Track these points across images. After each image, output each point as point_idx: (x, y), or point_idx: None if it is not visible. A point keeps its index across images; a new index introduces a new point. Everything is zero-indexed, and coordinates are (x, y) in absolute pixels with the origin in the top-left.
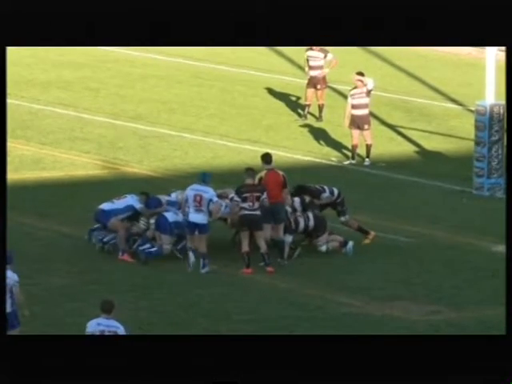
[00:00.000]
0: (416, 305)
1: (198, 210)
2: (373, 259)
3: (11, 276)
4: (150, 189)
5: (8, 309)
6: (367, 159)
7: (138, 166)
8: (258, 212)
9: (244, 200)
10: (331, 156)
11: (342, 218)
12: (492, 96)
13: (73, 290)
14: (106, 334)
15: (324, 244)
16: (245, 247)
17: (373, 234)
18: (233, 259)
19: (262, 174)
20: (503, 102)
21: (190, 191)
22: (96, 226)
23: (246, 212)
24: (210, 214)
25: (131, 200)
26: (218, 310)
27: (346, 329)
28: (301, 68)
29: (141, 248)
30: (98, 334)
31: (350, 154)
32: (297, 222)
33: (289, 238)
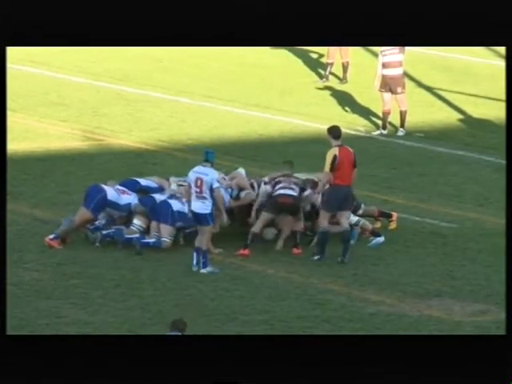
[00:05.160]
0: (459, 303)
1: (199, 196)
2: (407, 248)
3: None
4: (141, 164)
5: None
6: (401, 129)
7: (126, 136)
8: (297, 194)
9: (278, 183)
10: (358, 125)
11: (360, 211)
12: None
13: (48, 286)
14: None
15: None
16: (257, 228)
17: (395, 214)
18: (239, 248)
19: (336, 151)
20: None
21: (192, 174)
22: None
23: (283, 191)
24: (213, 201)
25: (133, 199)
26: (221, 310)
27: (375, 332)
28: None
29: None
30: None
31: (380, 122)
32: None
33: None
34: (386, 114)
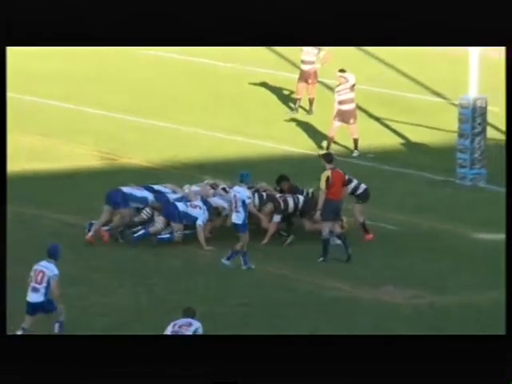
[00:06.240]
0: (401, 289)
1: (234, 210)
2: (360, 246)
3: (51, 268)
4: (148, 179)
5: (41, 297)
6: (356, 151)
7: (136, 157)
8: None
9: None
10: (320, 148)
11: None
12: (475, 90)
13: (75, 276)
14: (181, 324)
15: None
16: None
17: (344, 219)
18: (227, 246)
19: (328, 173)
20: (486, 95)
21: (231, 192)
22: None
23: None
24: (246, 214)
25: (149, 195)
26: (212, 294)
27: (335, 312)
28: (292, 63)
29: (142, 232)
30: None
31: (340, 147)
32: (286, 202)
33: (277, 218)
34: (330, 139)
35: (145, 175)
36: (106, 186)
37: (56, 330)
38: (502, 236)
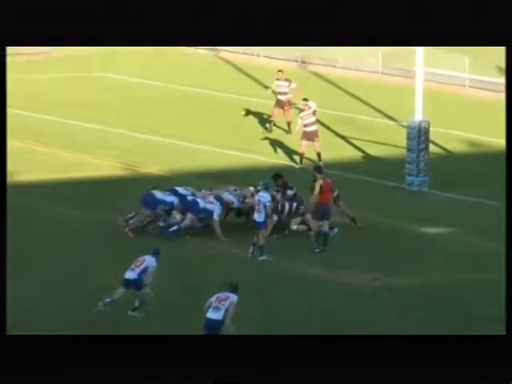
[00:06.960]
0: (362, 273)
1: (258, 211)
2: (332, 239)
3: (152, 260)
4: (161, 185)
5: (135, 276)
6: (320, 162)
7: (151, 167)
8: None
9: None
10: (294, 160)
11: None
12: (420, 114)
13: (112, 259)
14: (221, 298)
15: (295, 224)
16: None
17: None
18: (230, 240)
19: (321, 181)
20: (428, 119)
21: (256, 197)
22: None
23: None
24: (266, 214)
25: (174, 198)
26: (218, 279)
27: (309, 291)
28: (273, 92)
29: (162, 226)
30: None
31: (308, 160)
32: (283, 206)
33: (274, 217)
34: (301, 154)
35: (157, 182)
36: (127, 189)
37: (136, 303)
38: (441, 230)
